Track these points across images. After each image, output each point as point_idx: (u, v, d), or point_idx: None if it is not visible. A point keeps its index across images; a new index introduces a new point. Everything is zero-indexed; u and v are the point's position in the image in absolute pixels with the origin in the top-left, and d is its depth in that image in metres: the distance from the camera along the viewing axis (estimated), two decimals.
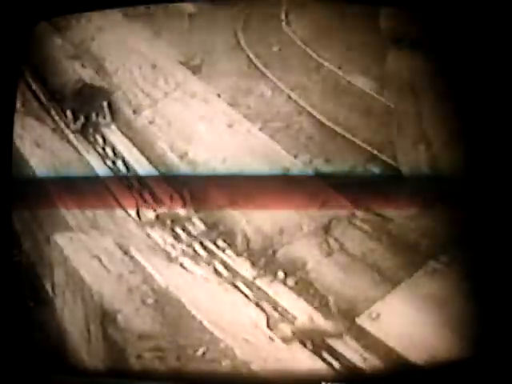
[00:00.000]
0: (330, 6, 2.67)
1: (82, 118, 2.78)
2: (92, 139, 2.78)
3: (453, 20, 2.53)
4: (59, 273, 2.67)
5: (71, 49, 2.86)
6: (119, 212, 2.68)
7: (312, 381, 2.43)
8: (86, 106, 2.77)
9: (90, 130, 2.78)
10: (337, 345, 2.45)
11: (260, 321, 2.50)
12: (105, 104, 2.78)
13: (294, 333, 2.48)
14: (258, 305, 2.52)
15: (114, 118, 2.76)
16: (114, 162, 2.75)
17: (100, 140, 2.78)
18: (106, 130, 2.77)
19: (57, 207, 2.72)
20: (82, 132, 2.78)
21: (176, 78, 2.79)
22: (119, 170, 2.74)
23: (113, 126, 2.77)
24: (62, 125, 2.81)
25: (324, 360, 2.44)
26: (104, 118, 2.77)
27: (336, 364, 2.43)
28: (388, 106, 2.63)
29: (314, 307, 2.48)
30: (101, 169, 2.74)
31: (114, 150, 2.77)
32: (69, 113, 2.78)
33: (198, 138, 2.70)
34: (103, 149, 2.76)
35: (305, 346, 2.46)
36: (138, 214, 2.67)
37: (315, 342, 2.46)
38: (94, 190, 2.72)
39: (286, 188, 2.61)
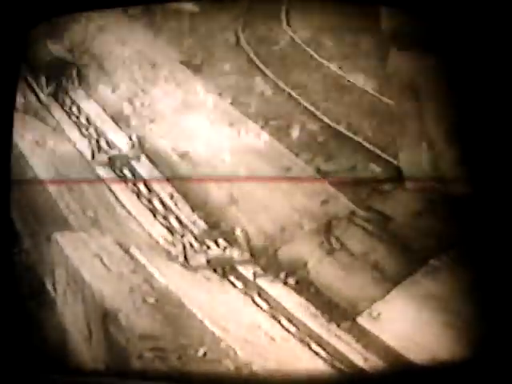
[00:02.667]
0: (330, 6, 2.67)
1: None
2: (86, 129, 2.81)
3: (454, 20, 2.52)
4: (60, 272, 2.67)
5: (71, 48, 2.87)
6: (120, 211, 2.69)
7: (313, 381, 2.43)
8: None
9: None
10: (348, 352, 2.45)
11: (261, 320, 2.51)
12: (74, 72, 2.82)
13: (294, 333, 2.49)
14: (258, 304, 2.52)
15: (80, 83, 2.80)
16: (110, 159, 2.78)
17: (105, 146, 2.81)
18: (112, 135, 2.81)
19: (58, 206, 2.72)
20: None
21: (176, 77, 2.80)
22: (117, 167, 2.76)
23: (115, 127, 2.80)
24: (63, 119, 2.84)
25: (335, 366, 2.45)
26: (73, 83, 2.80)
27: (341, 367, 2.44)
28: (389, 105, 2.63)
29: (315, 306, 2.49)
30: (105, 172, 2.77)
31: (107, 143, 2.79)
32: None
33: (199, 137, 2.71)
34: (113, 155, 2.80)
35: (319, 355, 2.46)
36: (139, 213, 2.68)
37: (319, 342, 2.47)
38: (94, 188, 2.73)
39: (287, 187, 2.61)
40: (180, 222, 2.66)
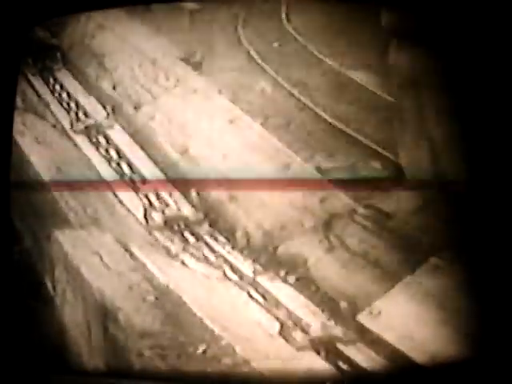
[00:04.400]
0: (330, 3, 2.67)
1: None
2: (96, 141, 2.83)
3: (455, 17, 2.52)
4: (60, 270, 2.67)
5: (70, 46, 2.88)
6: (120, 209, 2.69)
7: (313, 379, 2.43)
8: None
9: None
10: (348, 351, 2.44)
11: (260, 318, 2.51)
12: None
13: (293, 331, 2.49)
14: (258, 302, 2.52)
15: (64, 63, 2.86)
16: (116, 162, 2.78)
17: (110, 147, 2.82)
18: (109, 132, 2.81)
19: (57, 204, 2.72)
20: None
21: (177, 74, 2.80)
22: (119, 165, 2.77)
23: (116, 126, 2.80)
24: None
25: (335, 365, 2.44)
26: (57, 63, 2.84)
27: (341, 366, 2.43)
28: (390, 102, 2.63)
29: (315, 304, 2.48)
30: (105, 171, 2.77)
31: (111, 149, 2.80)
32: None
33: (199, 134, 2.71)
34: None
35: (319, 353, 2.45)
36: (137, 210, 2.69)
37: (328, 348, 2.46)
38: (94, 187, 2.74)
39: (286, 184, 2.61)
40: (181, 219, 2.66)
